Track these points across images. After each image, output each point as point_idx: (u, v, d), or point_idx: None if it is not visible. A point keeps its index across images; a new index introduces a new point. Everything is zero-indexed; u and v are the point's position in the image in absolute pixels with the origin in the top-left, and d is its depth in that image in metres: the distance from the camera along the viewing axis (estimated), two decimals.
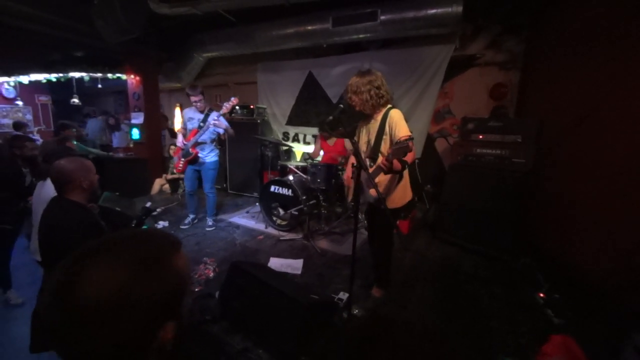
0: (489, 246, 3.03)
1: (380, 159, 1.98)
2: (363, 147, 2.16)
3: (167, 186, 5.48)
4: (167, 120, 6.61)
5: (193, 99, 3.42)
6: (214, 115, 3.43)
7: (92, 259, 0.47)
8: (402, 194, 2.11)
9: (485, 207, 3.02)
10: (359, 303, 2.24)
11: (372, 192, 2.02)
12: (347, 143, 4.10)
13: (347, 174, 2.36)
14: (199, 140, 3.47)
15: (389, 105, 2.03)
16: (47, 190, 1.97)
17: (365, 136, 2.16)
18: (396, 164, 1.76)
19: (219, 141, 5.39)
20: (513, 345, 1.91)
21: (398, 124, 1.91)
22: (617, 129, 2.13)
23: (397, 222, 2.24)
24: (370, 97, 1.96)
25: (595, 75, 2.42)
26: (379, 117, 2.03)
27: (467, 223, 3.16)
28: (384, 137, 1.99)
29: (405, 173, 2.07)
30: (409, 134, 1.88)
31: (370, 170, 1.91)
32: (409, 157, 1.75)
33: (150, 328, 0.47)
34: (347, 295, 2.28)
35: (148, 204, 2.29)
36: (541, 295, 2.36)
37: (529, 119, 3.09)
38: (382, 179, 2.02)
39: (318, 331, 1.84)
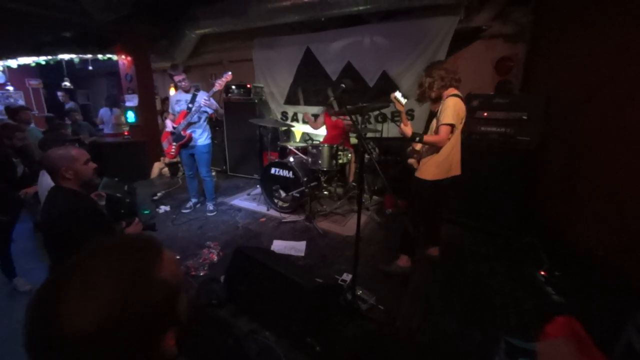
0: (492, 225, 3.03)
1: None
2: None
3: (166, 169, 5.43)
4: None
5: (177, 78, 3.30)
6: (202, 94, 3.33)
7: (71, 285, 0.43)
8: (432, 169, 2.26)
9: (489, 186, 3.00)
10: (363, 284, 2.27)
11: (410, 160, 2.47)
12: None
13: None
14: (190, 121, 3.37)
15: (454, 93, 2.16)
16: (47, 177, 1.94)
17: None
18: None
19: (216, 122, 5.28)
20: (515, 323, 1.94)
21: (444, 111, 2.09)
22: (628, 106, 2.05)
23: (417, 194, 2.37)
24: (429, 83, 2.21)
25: (606, 48, 2.30)
26: (442, 101, 2.20)
27: (472, 202, 3.15)
28: (435, 118, 2.23)
29: (443, 153, 2.22)
30: (447, 121, 2.06)
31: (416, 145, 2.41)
32: (431, 139, 2.13)
33: (148, 342, 0.46)
34: (350, 276, 2.30)
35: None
36: (542, 273, 2.38)
37: (535, 95, 2.99)
38: (421, 151, 2.36)
39: (323, 313, 1.87)
